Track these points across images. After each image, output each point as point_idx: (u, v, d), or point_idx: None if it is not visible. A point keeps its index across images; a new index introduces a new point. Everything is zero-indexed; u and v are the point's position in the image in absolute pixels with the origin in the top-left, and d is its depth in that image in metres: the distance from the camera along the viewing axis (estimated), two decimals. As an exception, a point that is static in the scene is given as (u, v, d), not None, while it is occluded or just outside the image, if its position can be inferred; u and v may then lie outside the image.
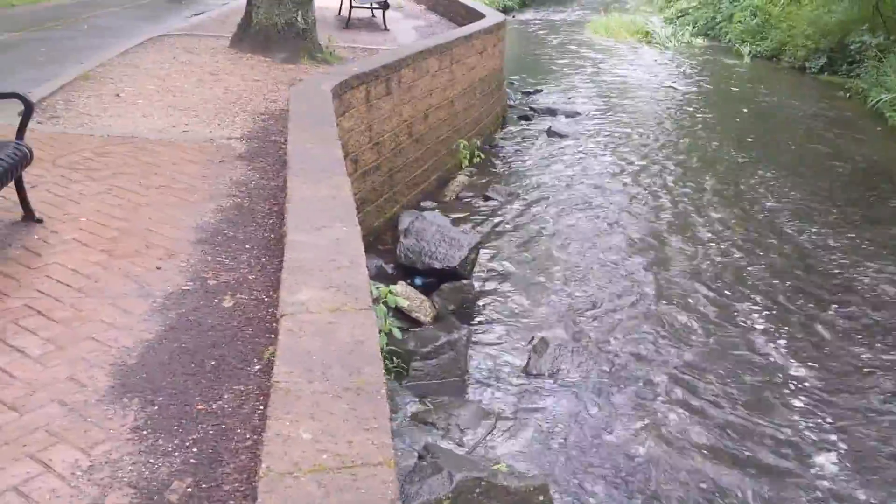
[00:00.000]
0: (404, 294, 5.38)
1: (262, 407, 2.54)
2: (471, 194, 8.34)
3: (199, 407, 2.60)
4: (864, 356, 5.26)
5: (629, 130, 11.58)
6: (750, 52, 18.00)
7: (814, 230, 7.48)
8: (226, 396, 2.65)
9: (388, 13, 13.26)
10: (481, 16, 11.71)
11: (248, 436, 2.44)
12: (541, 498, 3.56)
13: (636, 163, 9.80)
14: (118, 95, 6.78)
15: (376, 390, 1.92)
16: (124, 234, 3.87)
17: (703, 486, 3.95)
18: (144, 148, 5.28)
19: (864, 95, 12.76)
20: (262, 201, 4.44)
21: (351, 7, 12.74)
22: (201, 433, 2.46)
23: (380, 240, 6.58)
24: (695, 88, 15.09)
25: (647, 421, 4.49)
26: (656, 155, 10.19)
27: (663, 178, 9.17)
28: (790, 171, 9.54)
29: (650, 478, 4.01)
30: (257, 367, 2.81)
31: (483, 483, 3.55)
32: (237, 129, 6.05)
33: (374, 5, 12.97)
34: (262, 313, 3.19)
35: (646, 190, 8.72)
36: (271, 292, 3.28)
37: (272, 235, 3.92)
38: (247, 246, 3.85)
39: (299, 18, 9.23)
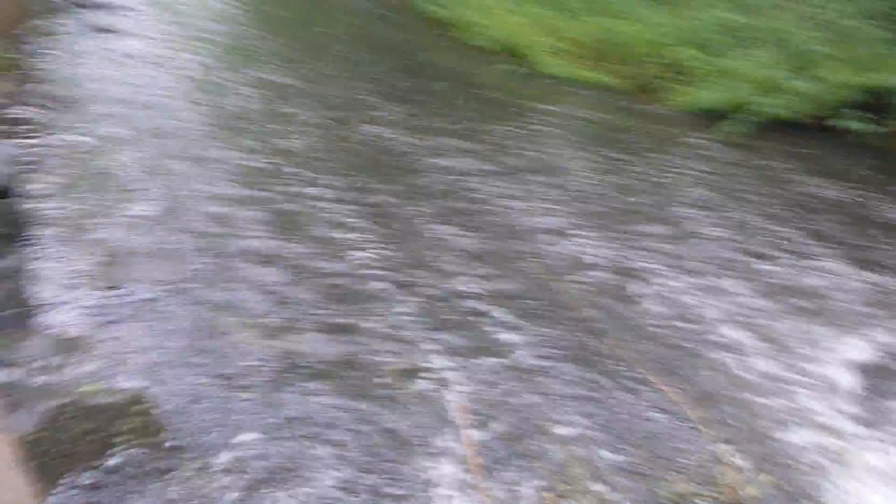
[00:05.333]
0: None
1: None
2: (4, 101, 7.19)
3: None
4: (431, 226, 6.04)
5: (185, 21, 11.06)
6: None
7: (376, 110, 8.31)
8: None
9: None
10: None
11: None
12: (136, 407, 3.48)
13: (195, 58, 9.45)
14: None
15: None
16: None
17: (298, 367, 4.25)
18: None
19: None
20: None
21: None
22: None
23: None
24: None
25: (236, 309, 4.62)
26: (212, 48, 10.02)
27: (219, 69, 9.16)
28: (348, 60, 10.38)
29: (249, 366, 4.16)
30: None
31: (70, 408, 3.33)
32: None
33: None
34: None
35: (207, 82, 8.58)
36: None
37: None
38: None
39: None
